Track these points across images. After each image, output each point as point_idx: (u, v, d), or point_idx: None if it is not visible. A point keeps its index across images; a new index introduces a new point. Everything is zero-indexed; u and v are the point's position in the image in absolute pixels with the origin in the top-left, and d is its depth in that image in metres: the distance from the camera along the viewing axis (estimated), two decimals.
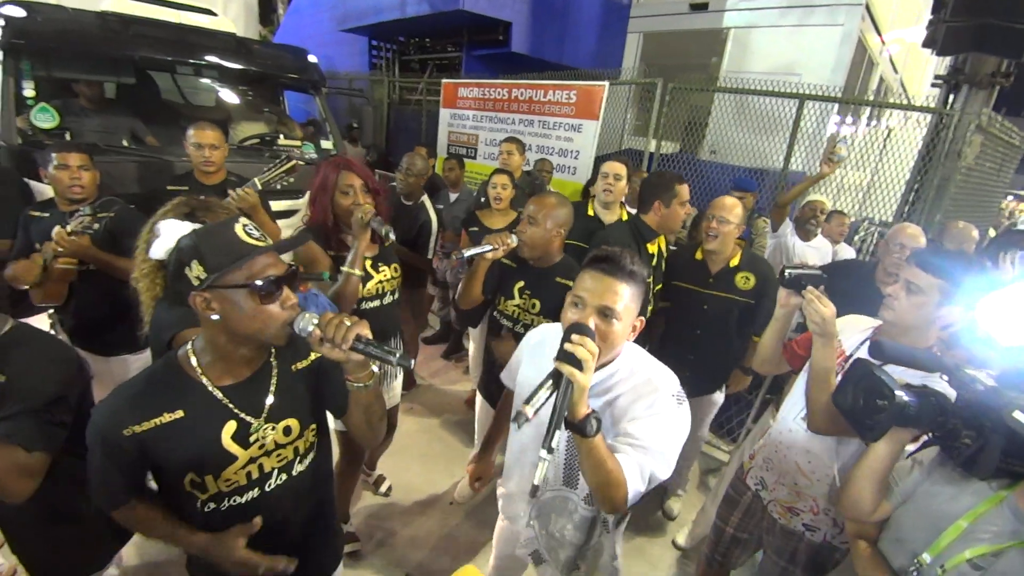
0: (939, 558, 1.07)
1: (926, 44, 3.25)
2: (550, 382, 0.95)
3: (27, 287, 2.01)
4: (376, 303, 2.02)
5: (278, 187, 2.35)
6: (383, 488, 2.68)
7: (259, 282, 0.97)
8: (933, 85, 3.69)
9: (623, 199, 2.76)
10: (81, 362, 1.29)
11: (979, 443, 1.02)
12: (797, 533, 1.60)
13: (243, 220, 1.01)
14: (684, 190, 2.27)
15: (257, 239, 1.00)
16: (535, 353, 1.42)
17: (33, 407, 1.13)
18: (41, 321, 2.51)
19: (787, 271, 1.49)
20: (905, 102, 3.70)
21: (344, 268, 1.80)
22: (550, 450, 0.90)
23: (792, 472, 1.57)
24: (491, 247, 1.83)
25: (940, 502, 1.12)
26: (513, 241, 1.87)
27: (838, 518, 1.52)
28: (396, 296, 2.12)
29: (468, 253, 1.85)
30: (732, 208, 2.20)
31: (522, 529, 1.50)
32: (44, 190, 2.41)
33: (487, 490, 2.57)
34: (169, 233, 1.08)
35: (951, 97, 3.33)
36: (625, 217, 2.81)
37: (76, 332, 2.26)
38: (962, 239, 2.74)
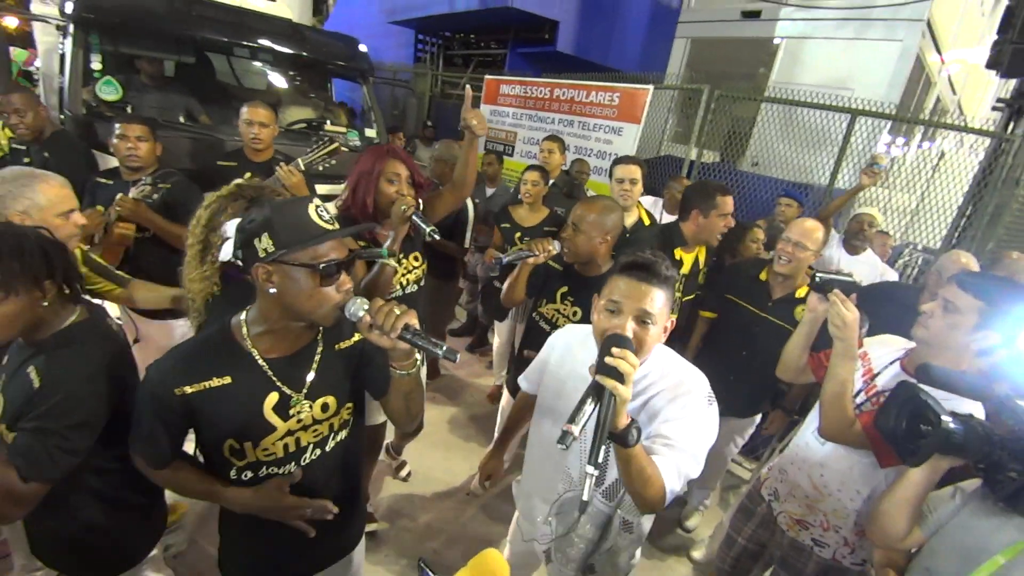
0: None
1: (990, 65, 3.13)
2: (591, 397, 0.95)
3: (93, 232, 2.12)
4: (397, 293, 2.01)
5: (320, 168, 2.41)
6: (403, 473, 2.72)
7: (323, 264, 1.00)
8: (994, 108, 3.55)
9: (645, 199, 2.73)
10: (124, 375, 1.20)
11: None
12: (806, 548, 1.57)
13: (316, 201, 1.03)
14: (726, 203, 2.18)
15: (327, 221, 1.02)
16: (563, 359, 1.42)
17: (51, 428, 1.04)
18: None
19: (818, 275, 1.44)
20: (962, 124, 3.57)
21: (382, 261, 1.77)
22: (596, 466, 0.90)
23: (804, 485, 1.55)
24: (531, 254, 1.83)
25: (978, 535, 1.08)
26: (555, 248, 1.85)
27: (849, 537, 1.49)
28: (419, 286, 2.09)
29: (508, 259, 1.85)
30: (812, 233, 2.06)
31: (539, 526, 1.51)
32: (108, 159, 2.53)
33: (502, 485, 2.59)
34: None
35: (1012, 122, 3.20)
36: (646, 219, 2.79)
37: None
38: (1016, 270, 2.63)
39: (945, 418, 1.03)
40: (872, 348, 1.54)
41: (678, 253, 2.28)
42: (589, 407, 0.94)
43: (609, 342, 1.00)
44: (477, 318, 4.32)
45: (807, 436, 1.59)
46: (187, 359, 1.06)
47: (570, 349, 1.41)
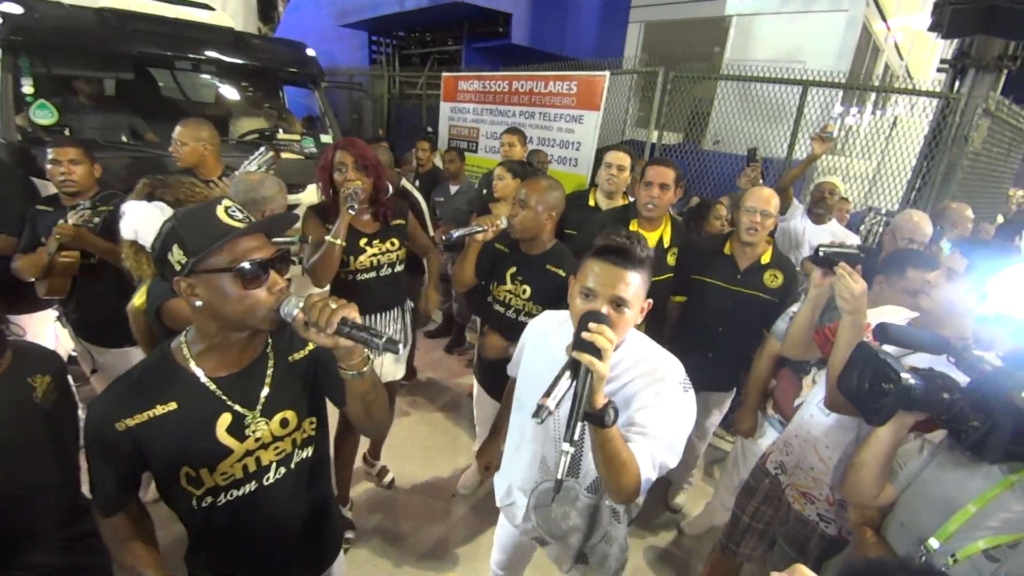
0: (948, 544, 1.05)
1: (932, 28, 3.19)
2: (568, 372, 0.92)
3: (33, 280, 2.07)
4: (372, 275, 2.13)
5: None
6: (386, 480, 2.68)
7: (244, 265, 0.93)
8: (939, 70, 3.64)
9: (624, 189, 2.72)
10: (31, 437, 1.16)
11: (987, 426, 1.00)
12: (811, 523, 1.58)
13: (226, 202, 0.97)
14: (645, 171, 2.23)
15: (240, 220, 0.96)
16: (539, 345, 1.40)
17: None
18: (47, 315, 2.55)
19: (821, 250, 1.44)
20: (911, 88, 3.65)
21: (327, 238, 1.91)
22: (572, 443, 0.88)
23: (811, 458, 1.56)
24: (480, 228, 1.83)
25: (948, 486, 1.10)
26: (503, 223, 1.85)
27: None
28: (397, 269, 2.20)
29: (458, 233, 1.85)
30: (771, 199, 2.09)
31: (519, 522, 1.50)
32: (48, 186, 2.42)
33: (490, 482, 2.56)
34: (132, 213, 1.08)
35: (957, 81, 3.28)
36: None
37: (80, 325, 2.30)
38: (956, 219, 2.70)
39: (904, 375, 1.04)
40: (875, 319, 1.54)
41: (633, 226, 2.27)
42: (565, 383, 0.91)
43: (586, 318, 0.98)
44: (453, 318, 4.28)
45: (812, 408, 1.59)
46: (126, 390, 1.00)
47: (545, 336, 1.39)
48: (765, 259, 2.18)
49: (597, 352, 0.92)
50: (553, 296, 1.86)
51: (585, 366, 0.91)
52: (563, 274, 1.88)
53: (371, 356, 1.02)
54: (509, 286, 2.01)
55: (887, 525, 1.22)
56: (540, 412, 0.87)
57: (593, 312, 1.03)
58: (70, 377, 1.38)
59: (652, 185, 2.16)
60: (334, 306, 0.90)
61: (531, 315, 1.86)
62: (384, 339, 0.89)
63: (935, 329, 1.31)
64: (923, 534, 1.09)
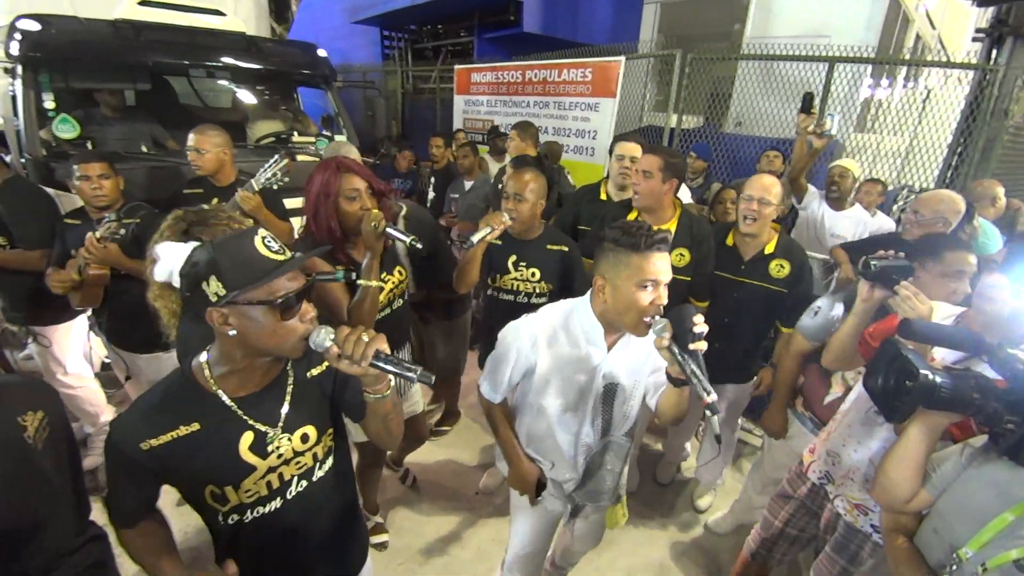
0: (980, 554, 0.99)
1: None
2: (691, 362, 1.12)
3: (65, 292, 2.11)
4: (386, 311, 1.88)
5: (275, 187, 2.35)
6: (410, 482, 2.70)
7: (282, 299, 0.94)
8: (974, 40, 3.43)
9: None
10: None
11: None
12: (864, 533, 1.50)
13: (262, 232, 0.97)
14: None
15: (277, 252, 0.97)
16: (552, 348, 1.44)
17: None
18: (81, 322, 2.62)
19: (872, 263, 1.38)
20: (944, 59, 3.46)
21: (361, 282, 1.64)
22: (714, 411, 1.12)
23: (864, 469, 1.48)
24: (491, 228, 1.84)
25: (985, 492, 1.03)
26: (507, 219, 1.89)
27: None
28: (404, 300, 2.00)
29: (476, 238, 1.84)
30: (771, 187, 2.00)
31: (559, 493, 1.62)
32: (74, 199, 2.47)
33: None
34: (167, 256, 1.07)
35: (994, 51, 3.09)
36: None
37: (112, 332, 2.36)
38: (984, 195, 2.57)
39: (924, 372, 0.99)
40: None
41: (632, 216, 2.19)
42: (697, 371, 1.11)
43: (686, 314, 1.14)
44: (475, 316, 4.26)
45: (862, 415, 1.50)
46: (150, 411, 1.01)
47: (555, 338, 1.44)
48: (769, 248, 2.10)
49: (703, 337, 1.13)
50: (560, 271, 2.09)
51: (698, 351, 1.13)
52: (566, 248, 2.10)
53: (392, 381, 1.05)
54: (514, 274, 2.11)
55: (921, 532, 1.16)
56: (713, 408, 1.11)
57: (683, 307, 1.17)
58: (66, 408, 1.33)
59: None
60: (366, 338, 0.92)
61: (543, 295, 2.11)
62: (419, 372, 0.94)
63: (989, 331, 1.23)
64: (956, 542, 1.04)
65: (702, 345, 1.13)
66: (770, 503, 1.81)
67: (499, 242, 2.07)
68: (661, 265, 1.26)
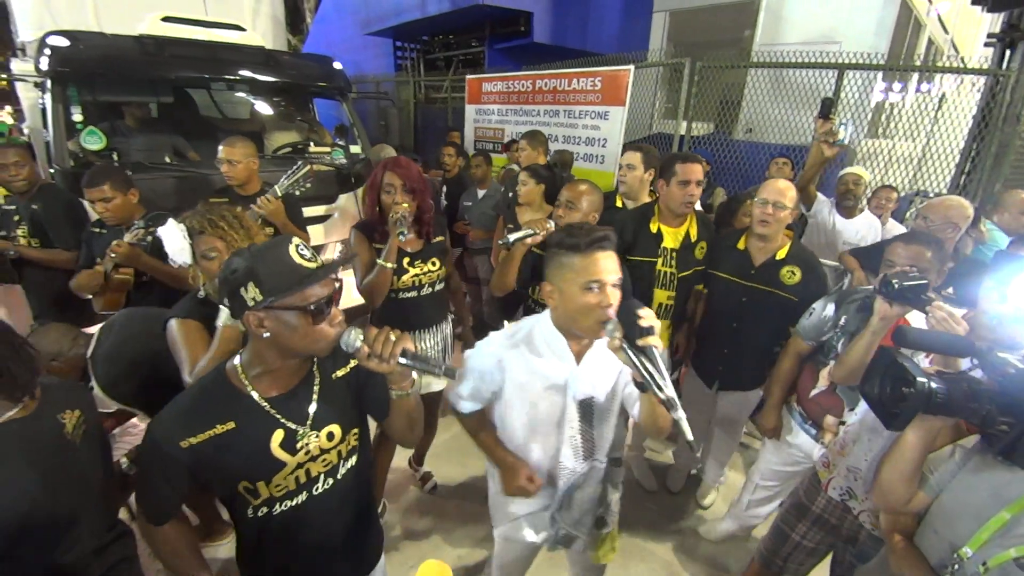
0: (981, 553, 1.01)
1: (975, 1, 3.02)
2: (644, 360, 1.03)
3: (90, 296, 2.20)
4: (413, 294, 2.15)
5: (297, 192, 2.41)
6: (429, 486, 2.73)
7: (314, 304, 1.01)
8: (986, 45, 3.44)
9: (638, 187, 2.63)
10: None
11: (1017, 429, 0.96)
12: None
13: (296, 240, 1.04)
14: (686, 170, 2.10)
15: (309, 260, 1.03)
16: (525, 352, 1.38)
17: None
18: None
19: (893, 281, 1.38)
20: (956, 64, 3.46)
21: (379, 261, 1.96)
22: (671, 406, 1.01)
23: None
24: (532, 232, 1.86)
25: (982, 492, 1.06)
26: (551, 226, 1.89)
27: None
28: (437, 288, 2.23)
29: (513, 238, 1.87)
30: (786, 191, 2.00)
31: (539, 523, 1.52)
32: None
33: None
34: (170, 237, 1.17)
35: (1007, 56, 3.09)
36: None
37: None
38: (1014, 204, 2.55)
39: (920, 378, 1.01)
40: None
41: (655, 226, 2.22)
42: (652, 368, 1.02)
43: (632, 307, 1.07)
44: (484, 320, 4.30)
45: (871, 425, 1.49)
46: (187, 411, 1.07)
47: (531, 340, 1.37)
48: (781, 254, 2.08)
49: (653, 331, 1.03)
50: None
51: (651, 347, 1.03)
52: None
53: (415, 377, 1.11)
54: None
55: (921, 532, 1.18)
56: (672, 405, 1.00)
57: (630, 302, 1.14)
58: (98, 405, 1.42)
59: (689, 183, 2.12)
60: (393, 338, 0.99)
61: None
62: (444, 367, 1.00)
63: (987, 336, 1.24)
64: (956, 542, 1.06)
65: (653, 340, 1.03)
66: (786, 515, 1.77)
67: (542, 252, 1.97)
68: (606, 264, 1.21)
